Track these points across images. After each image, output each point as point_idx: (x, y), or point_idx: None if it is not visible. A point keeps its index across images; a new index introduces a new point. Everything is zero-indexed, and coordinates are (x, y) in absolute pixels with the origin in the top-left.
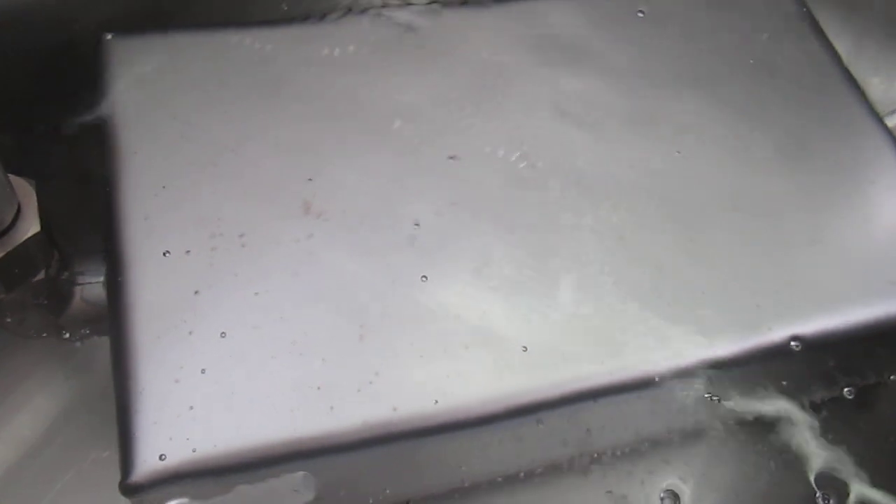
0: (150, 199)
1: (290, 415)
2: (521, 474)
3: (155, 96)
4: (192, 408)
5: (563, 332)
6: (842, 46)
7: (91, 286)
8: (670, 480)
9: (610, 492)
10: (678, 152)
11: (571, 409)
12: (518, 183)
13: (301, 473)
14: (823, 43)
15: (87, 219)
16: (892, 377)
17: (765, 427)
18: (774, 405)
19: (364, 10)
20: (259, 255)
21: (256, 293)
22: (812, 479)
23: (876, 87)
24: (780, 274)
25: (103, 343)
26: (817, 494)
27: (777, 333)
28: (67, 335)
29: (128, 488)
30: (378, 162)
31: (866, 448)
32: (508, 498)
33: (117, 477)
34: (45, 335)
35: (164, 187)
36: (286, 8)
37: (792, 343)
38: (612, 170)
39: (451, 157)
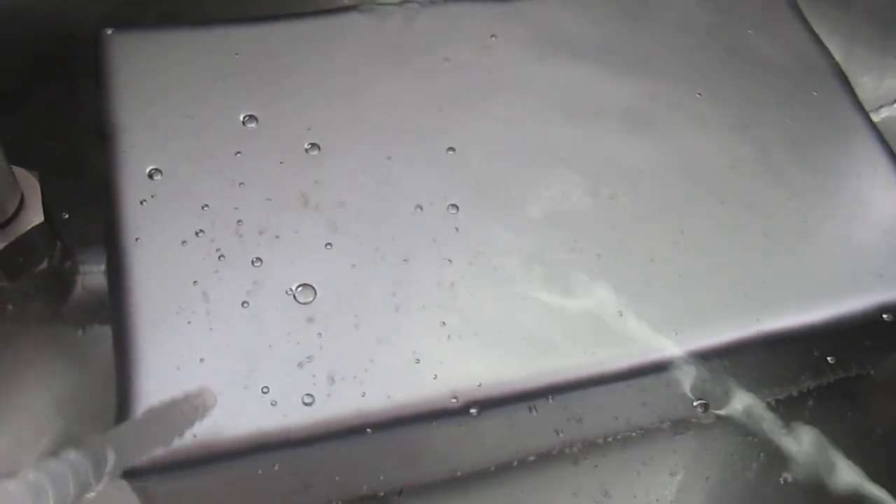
0: (149, 191)
1: (287, 402)
2: (515, 463)
3: (154, 91)
4: None
5: (554, 321)
6: (834, 45)
7: (92, 275)
8: (661, 470)
9: (601, 482)
10: (670, 146)
11: (563, 397)
12: (513, 176)
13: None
14: (813, 40)
15: (89, 209)
16: (872, 370)
17: (752, 418)
18: (762, 396)
19: (363, 6)
20: (257, 247)
21: (254, 283)
22: (797, 468)
23: (865, 85)
24: (768, 266)
25: (104, 332)
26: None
27: (765, 325)
28: (68, 324)
29: (129, 473)
30: (376, 155)
31: (852, 439)
32: (501, 486)
33: None
34: (46, 324)
35: (162, 180)
36: (285, 4)
37: (781, 334)
38: (605, 162)
39: (450, 150)
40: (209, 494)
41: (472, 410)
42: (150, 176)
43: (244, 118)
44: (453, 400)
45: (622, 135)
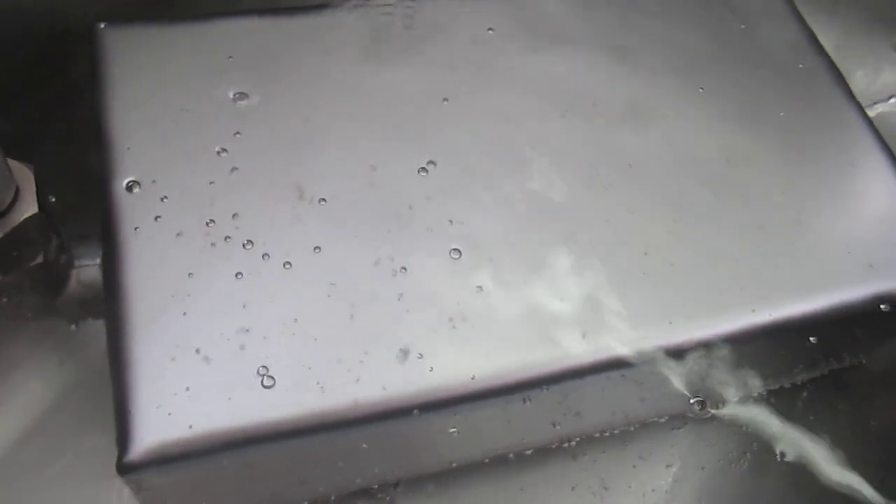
0: (145, 183)
1: (282, 394)
2: (511, 455)
3: (149, 84)
4: (187, 387)
5: (548, 312)
6: (828, 40)
7: (87, 269)
8: (658, 462)
9: (598, 475)
10: (663, 138)
11: (557, 387)
12: (505, 168)
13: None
14: (807, 34)
15: (84, 203)
16: (864, 360)
17: (747, 408)
18: (756, 386)
19: (357, 1)
20: (252, 238)
21: (249, 275)
22: (791, 460)
23: (860, 79)
24: (762, 257)
25: (99, 326)
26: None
27: (759, 315)
28: (63, 318)
29: (124, 467)
30: (372, 149)
31: (844, 429)
32: (499, 481)
33: (113, 462)
34: (41, 318)
35: (158, 172)
36: None
37: (776, 324)
38: (599, 155)
39: (446, 143)
40: (203, 488)
41: (467, 402)
42: (146, 168)
43: (239, 112)
44: (447, 390)
45: (618, 127)
